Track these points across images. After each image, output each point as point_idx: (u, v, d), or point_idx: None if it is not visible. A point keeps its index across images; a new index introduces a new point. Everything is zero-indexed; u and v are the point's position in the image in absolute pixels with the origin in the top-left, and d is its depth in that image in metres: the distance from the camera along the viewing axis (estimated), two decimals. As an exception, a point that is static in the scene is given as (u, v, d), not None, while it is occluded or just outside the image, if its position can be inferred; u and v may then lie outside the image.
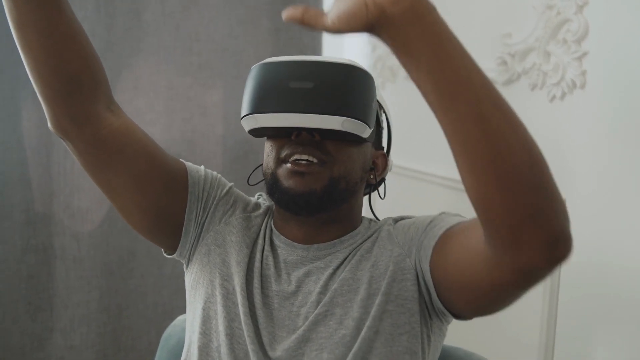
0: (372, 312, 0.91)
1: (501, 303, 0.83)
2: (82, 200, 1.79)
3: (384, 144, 1.12)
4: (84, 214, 1.80)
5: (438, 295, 0.91)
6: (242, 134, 2.04)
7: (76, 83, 0.88)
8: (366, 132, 0.93)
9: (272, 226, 1.04)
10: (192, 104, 1.90)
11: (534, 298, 1.48)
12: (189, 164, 1.05)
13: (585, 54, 1.33)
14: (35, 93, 0.90)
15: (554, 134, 1.43)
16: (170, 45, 1.86)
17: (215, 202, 1.04)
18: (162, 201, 0.99)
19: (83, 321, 1.83)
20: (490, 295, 0.82)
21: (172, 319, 2.01)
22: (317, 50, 1.99)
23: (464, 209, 1.42)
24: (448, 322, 0.98)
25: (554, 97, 1.41)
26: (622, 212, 1.31)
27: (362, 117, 0.90)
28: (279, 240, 1.02)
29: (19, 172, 1.72)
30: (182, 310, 1.99)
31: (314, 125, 0.90)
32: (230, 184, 1.09)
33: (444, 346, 1.16)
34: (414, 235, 0.95)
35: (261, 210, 1.07)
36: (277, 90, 0.91)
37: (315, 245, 0.99)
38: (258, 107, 0.92)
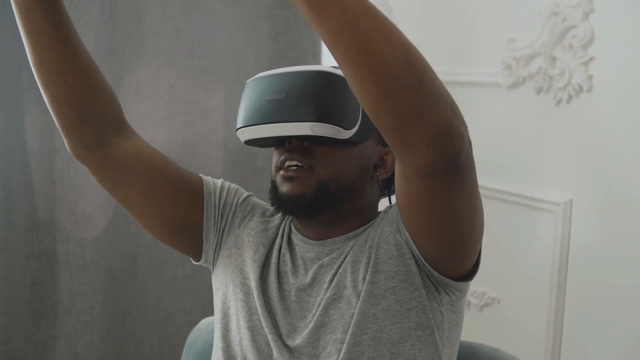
0: (376, 290, 0.96)
1: (444, 216, 0.87)
2: (86, 205, 1.78)
3: None
4: (87, 220, 1.79)
5: (424, 258, 0.95)
6: (242, 137, 2.05)
7: (85, 114, 0.98)
8: (341, 133, 0.96)
9: (292, 226, 1.09)
10: (193, 107, 1.90)
11: (541, 290, 1.53)
12: (206, 177, 1.11)
13: (591, 59, 1.39)
14: (38, 99, 0.95)
15: (560, 136, 1.49)
16: (171, 49, 1.86)
17: (233, 208, 1.11)
18: (178, 213, 1.06)
19: (87, 328, 1.82)
20: (430, 212, 0.87)
21: (173, 323, 2.01)
22: (317, 54, 2.01)
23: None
24: (458, 296, 0.99)
25: (560, 101, 1.47)
26: (626, 212, 1.37)
27: (333, 120, 0.95)
28: (297, 239, 1.06)
29: (22, 178, 1.70)
30: (183, 314, 1.99)
31: (286, 133, 0.97)
32: (248, 193, 1.15)
33: (468, 342, 1.19)
34: (397, 210, 1.00)
35: (280, 214, 1.12)
36: (256, 105, 0.99)
37: (329, 240, 1.04)
38: (243, 121, 1.01)
